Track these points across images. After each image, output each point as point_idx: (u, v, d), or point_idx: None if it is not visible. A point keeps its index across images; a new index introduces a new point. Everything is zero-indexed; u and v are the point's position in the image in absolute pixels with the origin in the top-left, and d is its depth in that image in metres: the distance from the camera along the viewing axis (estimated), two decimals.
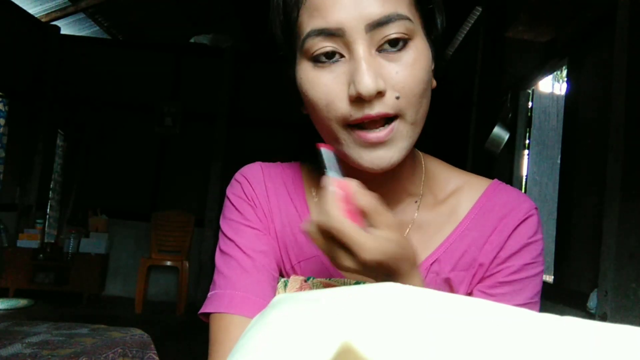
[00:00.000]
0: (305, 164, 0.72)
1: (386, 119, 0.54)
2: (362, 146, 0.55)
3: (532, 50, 3.61)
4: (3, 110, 5.06)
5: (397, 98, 0.54)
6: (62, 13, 5.81)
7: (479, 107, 4.10)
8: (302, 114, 0.63)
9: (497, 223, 0.62)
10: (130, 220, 5.74)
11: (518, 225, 0.61)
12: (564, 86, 3.70)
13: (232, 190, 0.68)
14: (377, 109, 0.53)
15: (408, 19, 0.54)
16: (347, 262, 0.49)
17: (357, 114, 0.53)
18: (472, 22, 4.86)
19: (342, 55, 0.54)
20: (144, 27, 6.80)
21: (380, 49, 0.54)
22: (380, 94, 0.53)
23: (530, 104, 4.24)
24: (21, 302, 4.66)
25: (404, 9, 0.54)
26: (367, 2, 0.52)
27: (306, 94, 0.56)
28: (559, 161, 3.39)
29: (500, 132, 3.66)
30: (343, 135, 0.56)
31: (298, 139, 5.69)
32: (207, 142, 5.75)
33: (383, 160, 0.55)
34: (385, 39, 0.53)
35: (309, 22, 0.54)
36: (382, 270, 0.49)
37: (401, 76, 0.54)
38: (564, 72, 3.62)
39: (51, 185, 5.85)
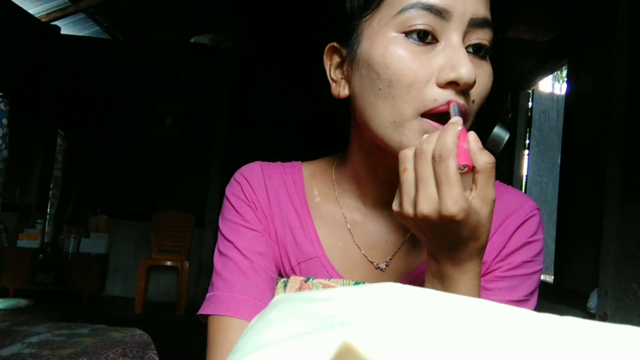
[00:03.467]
0: (307, 164, 0.71)
1: None
2: None
3: (532, 50, 3.61)
4: (4, 110, 5.06)
5: (473, 102, 0.54)
6: (62, 13, 5.81)
7: (479, 107, 4.11)
8: (333, 99, 0.60)
9: (500, 223, 0.62)
10: (130, 220, 5.74)
11: (520, 224, 0.62)
12: (564, 86, 3.70)
13: (232, 191, 0.66)
14: (462, 101, 0.52)
15: (494, 31, 0.54)
16: (425, 204, 0.46)
17: (444, 96, 0.51)
18: None
19: (435, 40, 0.52)
20: (144, 27, 6.80)
21: (466, 49, 0.53)
22: (468, 89, 0.52)
23: (530, 104, 4.24)
24: (21, 302, 4.66)
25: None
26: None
27: (389, 67, 0.52)
28: (559, 161, 3.39)
29: (500, 132, 3.66)
30: (412, 123, 0.52)
31: (294, 138, 5.67)
32: (207, 142, 5.75)
33: None
34: (476, 41, 0.54)
35: None
36: (449, 234, 0.47)
37: (481, 82, 0.54)
38: (564, 72, 3.61)
39: (51, 185, 5.85)
